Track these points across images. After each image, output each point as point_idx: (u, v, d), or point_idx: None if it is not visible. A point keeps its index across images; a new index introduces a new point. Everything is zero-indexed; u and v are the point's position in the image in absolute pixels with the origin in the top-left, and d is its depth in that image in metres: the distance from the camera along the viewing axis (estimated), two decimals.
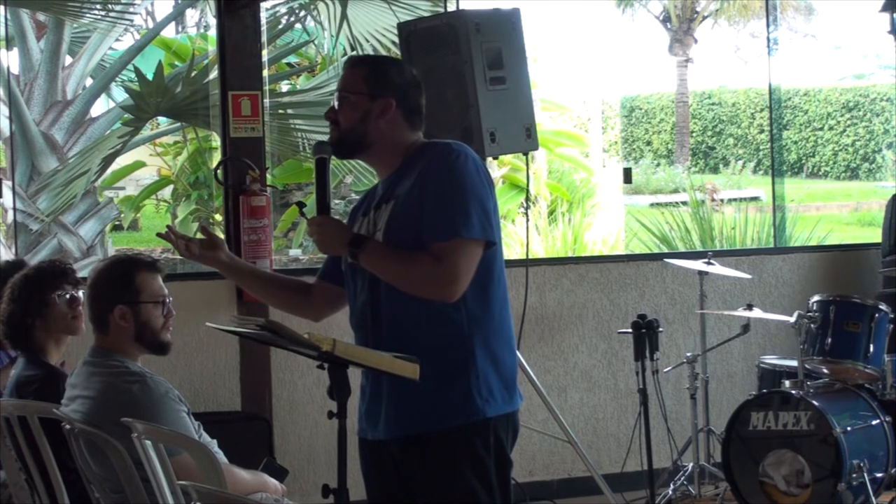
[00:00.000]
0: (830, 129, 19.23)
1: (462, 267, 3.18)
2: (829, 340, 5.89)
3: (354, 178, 9.59)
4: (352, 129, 3.33)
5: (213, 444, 3.86)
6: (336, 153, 3.40)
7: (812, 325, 5.91)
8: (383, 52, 8.34)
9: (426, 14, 7.30)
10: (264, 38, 6.88)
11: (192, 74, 9.30)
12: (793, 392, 5.72)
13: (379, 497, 3.39)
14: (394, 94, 3.34)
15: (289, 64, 10.74)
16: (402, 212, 3.26)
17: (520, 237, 9.85)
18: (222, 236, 4.94)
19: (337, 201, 10.72)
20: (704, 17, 20.02)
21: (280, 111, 9.29)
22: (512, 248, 9.86)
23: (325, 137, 3.45)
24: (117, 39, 10.07)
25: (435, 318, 3.22)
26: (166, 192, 11.57)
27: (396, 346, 3.15)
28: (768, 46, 8.79)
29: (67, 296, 4.22)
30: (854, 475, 5.55)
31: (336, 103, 3.37)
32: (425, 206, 3.21)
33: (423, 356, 3.10)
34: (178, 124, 10.38)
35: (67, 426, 3.66)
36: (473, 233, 3.19)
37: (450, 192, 3.21)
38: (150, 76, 9.22)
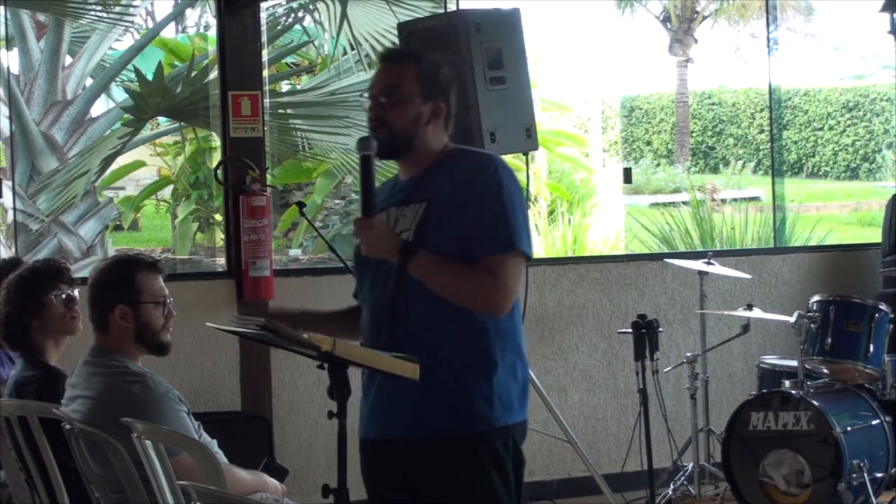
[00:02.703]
0: (830, 129, 19.22)
1: (514, 280, 3.19)
2: (829, 340, 5.89)
3: (355, 178, 9.59)
4: (405, 130, 3.25)
5: (213, 444, 3.86)
6: (382, 154, 3.25)
7: (812, 325, 5.91)
8: None
9: (426, 14, 7.29)
10: (264, 38, 6.88)
11: (192, 74, 9.30)
12: (793, 392, 5.72)
13: (382, 498, 3.37)
14: (444, 99, 3.30)
15: (289, 64, 10.74)
16: (439, 217, 3.21)
17: None
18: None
19: (337, 201, 10.72)
20: (704, 17, 20.00)
21: (280, 111, 9.30)
22: None
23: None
24: (117, 39, 10.06)
25: (462, 325, 3.21)
26: (166, 192, 11.57)
27: (418, 346, 3.14)
28: (768, 46, 8.80)
29: (64, 295, 4.21)
30: (854, 475, 5.55)
31: (383, 100, 3.25)
32: (470, 218, 3.18)
33: (446, 360, 3.14)
34: (178, 124, 10.38)
35: (67, 426, 3.66)
36: (524, 246, 3.20)
37: (498, 206, 3.18)
38: (149, 76, 9.22)
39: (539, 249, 10.89)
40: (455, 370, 3.16)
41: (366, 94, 3.31)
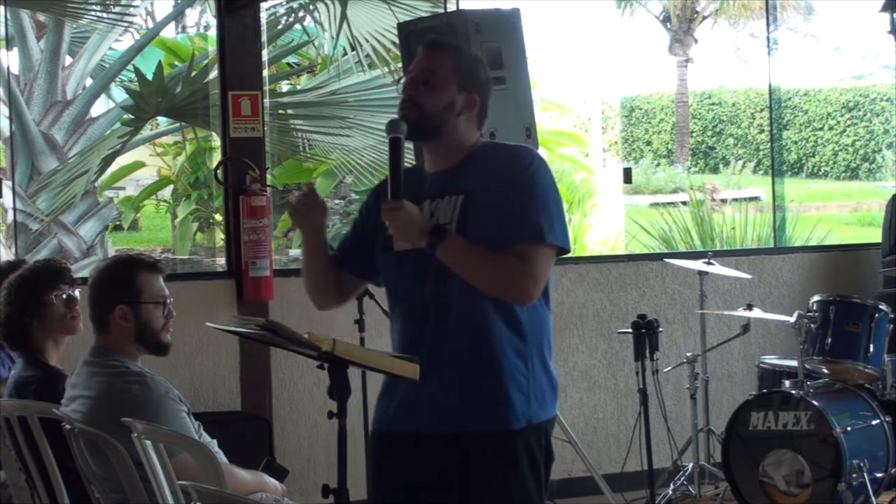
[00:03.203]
0: (830, 129, 19.21)
1: (543, 270, 3.19)
2: (829, 340, 5.90)
3: (355, 178, 9.59)
4: (435, 114, 3.25)
5: (213, 444, 3.86)
6: (410, 134, 3.26)
7: (812, 325, 5.91)
8: (384, 53, 8.35)
9: (426, 14, 7.30)
10: (264, 38, 6.88)
11: (192, 74, 9.30)
12: (793, 392, 5.72)
13: (393, 490, 3.35)
14: (479, 92, 3.31)
15: (289, 64, 10.75)
16: (477, 209, 3.21)
17: None
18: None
19: (337, 201, 10.72)
20: (704, 17, 20.00)
21: (280, 111, 9.30)
22: None
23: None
24: (117, 40, 10.07)
25: (503, 321, 3.22)
26: (166, 192, 11.57)
27: (460, 343, 3.17)
28: (768, 46, 8.80)
29: (64, 296, 4.21)
30: (854, 475, 5.56)
31: (420, 83, 3.26)
32: (504, 209, 3.18)
33: (486, 357, 3.16)
34: (178, 124, 10.38)
35: (67, 426, 3.66)
36: (557, 239, 3.20)
37: (531, 197, 3.18)
38: (149, 76, 9.22)
39: None
40: (494, 367, 3.19)
41: (402, 80, 3.33)
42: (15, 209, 8.59)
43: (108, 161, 9.46)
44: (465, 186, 3.24)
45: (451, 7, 6.83)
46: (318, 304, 3.54)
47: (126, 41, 10.37)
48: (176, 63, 10.32)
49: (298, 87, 10.59)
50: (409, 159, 3.42)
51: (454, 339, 3.19)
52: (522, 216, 3.17)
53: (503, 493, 3.23)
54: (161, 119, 10.84)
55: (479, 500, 3.23)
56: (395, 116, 3.27)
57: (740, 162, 18.62)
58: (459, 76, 3.28)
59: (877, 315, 5.93)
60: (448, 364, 3.17)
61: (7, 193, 7.93)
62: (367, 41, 8.47)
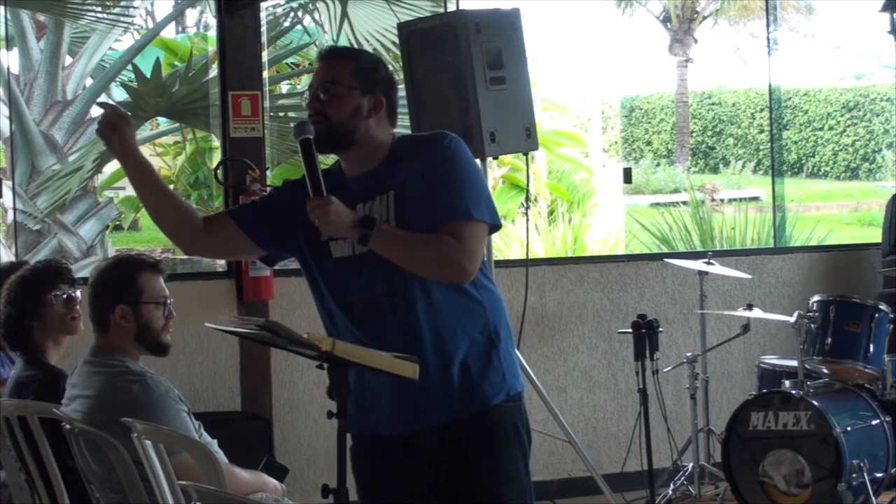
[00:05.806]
0: (830, 129, 19.22)
1: (477, 246, 3.22)
2: (829, 340, 5.89)
3: None
4: (344, 122, 3.26)
5: (214, 444, 3.86)
6: (321, 147, 3.26)
7: (812, 325, 5.91)
8: (384, 53, 8.34)
9: (426, 14, 7.30)
10: (264, 38, 6.88)
11: (191, 74, 9.30)
12: (793, 392, 5.72)
13: (393, 492, 3.35)
14: (383, 92, 3.32)
15: (289, 65, 10.75)
16: (411, 201, 3.23)
17: (520, 237, 9.84)
18: None
19: None
20: (704, 17, 20.01)
21: (280, 113, 9.29)
22: (512, 248, 9.87)
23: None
24: (117, 40, 10.07)
25: (464, 304, 3.26)
26: None
27: (433, 334, 3.20)
28: (768, 46, 8.80)
29: (64, 296, 4.21)
30: (854, 475, 5.56)
31: (322, 95, 3.27)
32: (433, 191, 3.21)
33: (456, 341, 3.21)
34: (178, 124, 10.38)
35: (67, 426, 3.66)
36: (483, 216, 3.23)
37: (452, 176, 3.23)
38: (148, 75, 9.22)
39: (539, 249, 10.89)
40: (466, 348, 3.23)
41: (306, 94, 3.33)
42: (15, 209, 8.59)
43: (104, 158, 9.44)
44: (393, 182, 3.26)
45: (451, 7, 6.83)
46: (178, 244, 3.50)
47: (126, 41, 10.38)
48: (176, 63, 10.32)
49: (298, 87, 10.59)
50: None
51: (421, 330, 3.21)
52: (448, 196, 3.21)
53: (495, 473, 3.26)
54: (161, 119, 10.84)
55: (475, 483, 3.26)
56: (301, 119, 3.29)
57: (740, 162, 18.63)
58: (360, 80, 3.28)
59: (877, 315, 5.93)
60: (422, 354, 3.16)
61: (7, 193, 7.93)
62: (368, 41, 8.47)
